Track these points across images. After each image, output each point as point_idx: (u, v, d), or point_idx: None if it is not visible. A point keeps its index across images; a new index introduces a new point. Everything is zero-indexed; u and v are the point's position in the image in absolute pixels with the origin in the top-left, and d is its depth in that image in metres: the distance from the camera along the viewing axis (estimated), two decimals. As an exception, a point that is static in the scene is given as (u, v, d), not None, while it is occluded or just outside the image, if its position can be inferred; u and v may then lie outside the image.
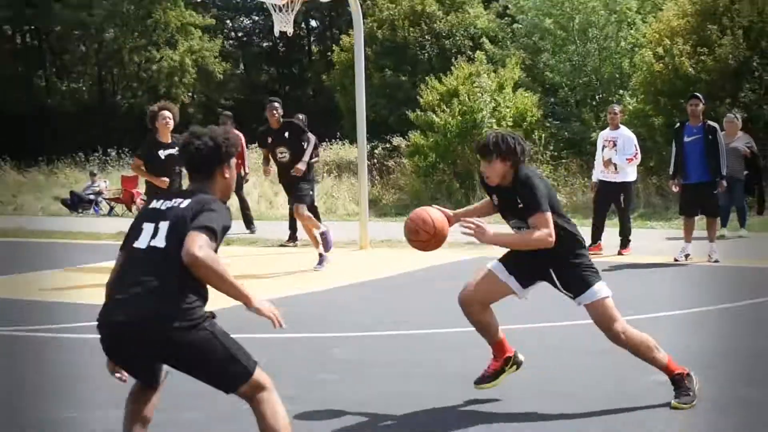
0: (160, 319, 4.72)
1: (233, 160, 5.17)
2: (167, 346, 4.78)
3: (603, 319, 6.56)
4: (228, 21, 49.16)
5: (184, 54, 40.75)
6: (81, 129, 37.81)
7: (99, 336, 4.88)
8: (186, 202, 4.94)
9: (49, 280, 11.64)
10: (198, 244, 4.70)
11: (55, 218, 22.65)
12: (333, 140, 30.42)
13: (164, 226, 4.88)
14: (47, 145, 33.88)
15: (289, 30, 16.21)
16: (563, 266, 6.67)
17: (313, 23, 47.96)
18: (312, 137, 13.45)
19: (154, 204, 5.04)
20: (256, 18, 48.70)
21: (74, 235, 17.98)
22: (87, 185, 25.50)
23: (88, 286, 11.23)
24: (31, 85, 42.65)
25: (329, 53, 36.08)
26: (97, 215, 23.34)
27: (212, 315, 4.91)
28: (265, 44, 49.31)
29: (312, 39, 48.42)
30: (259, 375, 4.94)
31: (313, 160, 16.45)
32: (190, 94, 41.93)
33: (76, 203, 24.40)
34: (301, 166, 13.04)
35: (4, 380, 7.00)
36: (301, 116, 17.48)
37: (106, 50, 42.66)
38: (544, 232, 6.49)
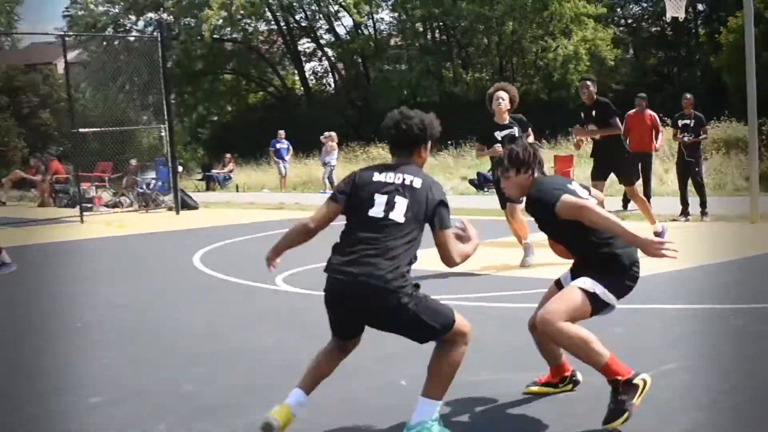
0: (389, 281, 5.01)
1: (430, 143, 5.47)
2: (387, 306, 5.06)
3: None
4: (618, 9, 48.40)
5: (578, 43, 40.52)
6: (484, 115, 38.36)
7: (328, 287, 5.19)
8: (417, 181, 5.25)
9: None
10: (455, 250, 5.24)
11: (462, 197, 23.12)
12: (721, 118, 29.27)
13: (401, 202, 5.17)
14: (455, 129, 34.73)
15: (681, 15, 15.78)
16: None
17: (700, 7, 46.34)
18: (617, 122, 12.70)
19: (378, 177, 5.28)
20: (645, 5, 47.73)
21: (481, 212, 18.23)
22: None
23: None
24: (440, 75, 43.76)
25: (716, 35, 34.81)
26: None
27: (417, 285, 5.16)
28: (653, 29, 48.22)
29: (699, 22, 46.79)
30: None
31: (701, 137, 15.97)
32: (583, 79, 41.63)
33: (482, 183, 24.75)
34: (588, 132, 12.66)
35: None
36: (688, 96, 16.93)
37: (506, 42, 43.11)
38: (590, 209, 5.51)
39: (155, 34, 30.57)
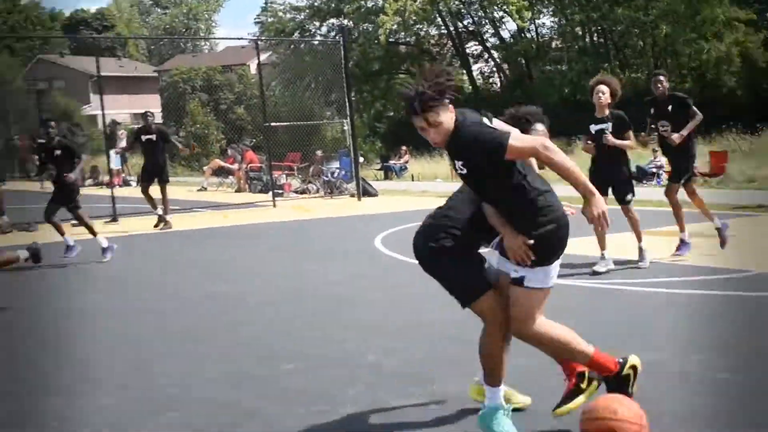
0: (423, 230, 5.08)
1: None
2: (420, 252, 5.09)
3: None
4: (767, 14, 46.61)
5: (730, 45, 39.25)
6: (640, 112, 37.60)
7: None
8: None
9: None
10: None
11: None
12: None
13: None
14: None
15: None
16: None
17: None
18: (697, 114, 10.85)
19: None
20: (796, 9, 45.88)
21: (644, 203, 17.39)
22: (650, 160, 25.25)
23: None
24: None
25: None
26: (658, 185, 22.95)
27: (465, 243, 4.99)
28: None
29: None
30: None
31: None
32: (734, 79, 40.30)
33: (641, 176, 24.08)
34: (676, 137, 10.70)
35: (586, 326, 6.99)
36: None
37: (660, 44, 42.05)
38: (539, 145, 4.51)
39: (337, 38, 30.96)
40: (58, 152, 13.16)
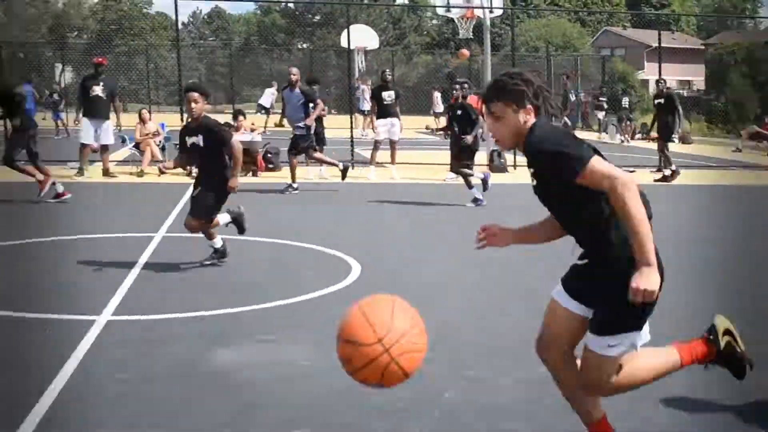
0: None
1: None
2: None
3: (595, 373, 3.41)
4: None
5: None
6: None
7: None
8: None
9: None
10: None
11: None
12: None
13: None
14: None
15: None
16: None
17: None
18: None
19: None
20: None
21: None
22: None
23: None
24: None
25: None
26: None
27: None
28: None
29: None
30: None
31: None
32: None
33: None
34: None
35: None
36: None
37: None
38: (617, 183, 3.03)
39: None
40: (459, 111, 13.12)
